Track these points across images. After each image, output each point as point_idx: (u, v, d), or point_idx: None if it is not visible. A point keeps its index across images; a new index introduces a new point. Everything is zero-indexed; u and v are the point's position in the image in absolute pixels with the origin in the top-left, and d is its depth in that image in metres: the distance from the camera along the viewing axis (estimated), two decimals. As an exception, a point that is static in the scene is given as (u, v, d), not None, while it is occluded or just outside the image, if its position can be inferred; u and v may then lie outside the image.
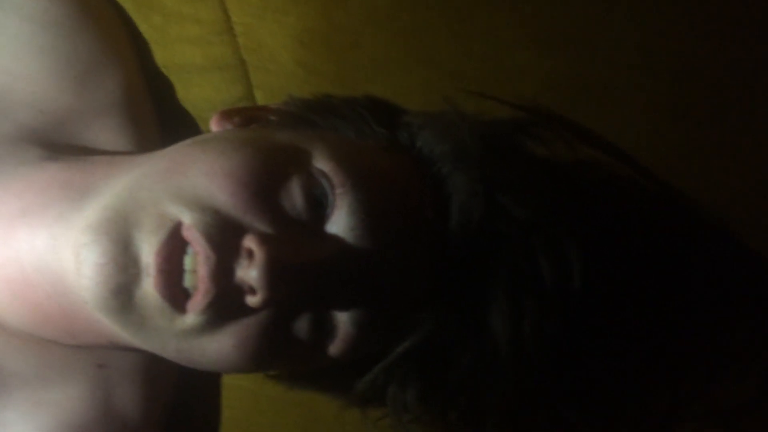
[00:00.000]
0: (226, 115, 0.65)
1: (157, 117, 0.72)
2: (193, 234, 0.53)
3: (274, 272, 0.52)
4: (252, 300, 0.53)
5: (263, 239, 0.53)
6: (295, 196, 0.55)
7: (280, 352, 0.57)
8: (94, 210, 0.56)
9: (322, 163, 0.56)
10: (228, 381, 0.76)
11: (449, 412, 0.62)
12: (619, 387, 0.66)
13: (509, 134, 0.63)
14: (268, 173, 0.56)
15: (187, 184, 0.55)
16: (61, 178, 0.61)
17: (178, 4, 0.70)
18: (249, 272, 0.52)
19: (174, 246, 0.53)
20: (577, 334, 0.61)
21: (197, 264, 0.53)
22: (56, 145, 0.65)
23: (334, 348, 0.57)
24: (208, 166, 0.56)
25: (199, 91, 0.74)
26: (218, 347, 0.55)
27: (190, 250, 0.54)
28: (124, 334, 0.57)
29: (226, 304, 0.53)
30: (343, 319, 0.56)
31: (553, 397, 0.63)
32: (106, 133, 0.67)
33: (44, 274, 0.59)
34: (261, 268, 0.52)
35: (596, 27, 0.62)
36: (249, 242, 0.53)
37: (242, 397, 0.75)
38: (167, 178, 0.56)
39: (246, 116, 0.66)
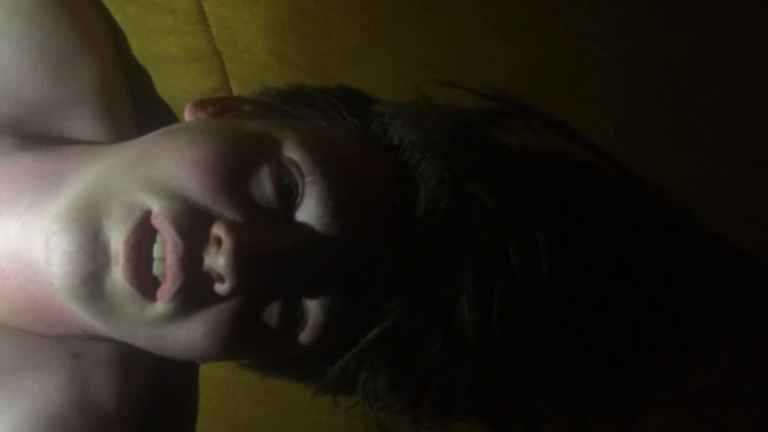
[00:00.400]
0: (200, 104, 0.66)
1: (133, 108, 0.73)
2: (161, 222, 0.53)
3: (241, 259, 0.52)
4: (220, 288, 0.53)
5: (231, 227, 0.53)
6: (264, 185, 0.56)
7: (250, 340, 0.58)
8: (64, 198, 0.57)
9: (292, 152, 0.57)
10: (204, 371, 0.76)
11: (420, 400, 0.63)
12: (588, 373, 0.67)
13: (477, 123, 0.63)
14: (238, 161, 0.56)
15: (157, 172, 0.55)
16: (35, 168, 0.61)
17: (152, -6, 0.70)
18: (217, 260, 0.53)
19: (143, 234, 0.54)
20: (545, 321, 0.61)
21: (166, 252, 0.53)
22: (31, 134, 0.65)
23: (305, 335, 0.58)
24: (177, 154, 0.56)
25: (176, 82, 0.75)
26: (188, 335, 0.56)
27: (159, 238, 0.54)
28: (95, 323, 0.58)
29: (194, 291, 0.54)
30: (312, 307, 0.57)
31: (522, 383, 0.64)
32: (82, 123, 0.67)
33: (16, 264, 0.59)
34: (228, 256, 0.52)
35: (561, 15, 0.62)
36: (217, 230, 0.53)
37: (218, 386, 0.76)
38: (137, 166, 0.56)
39: (220, 106, 0.66)
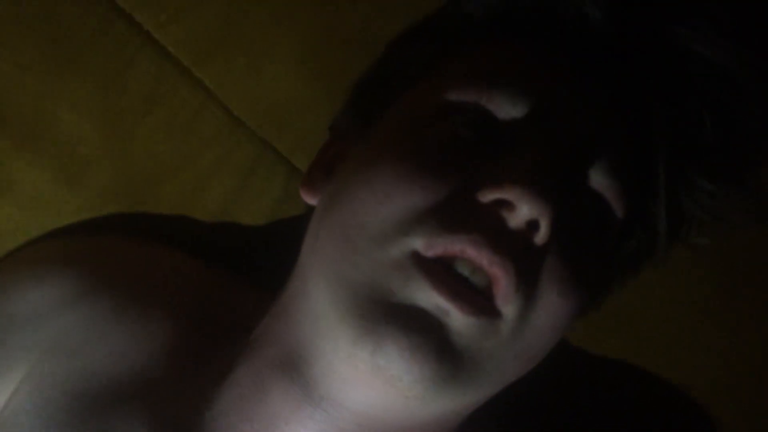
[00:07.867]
0: (308, 181, 0.57)
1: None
2: (438, 244, 0.47)
3: (534, 191, 0.46)
4: (539, 235, 0.47)
5: (494, 182, 0.47)
6: (460, 133, 0.50)
7: (594, 271, 0.51)
8: (338, 331, 0.48)
9: (453, 95, 0.51)
10: None
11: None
12: None
13: None
14: (417, 143, 0.50)
15: (374, 224, 0.48)
16: (270, 357, 0.53)
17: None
18: (519, 212, 0.46)
19: (437, 270, 0.47)
20: None
21: (472, 261, 0.46)
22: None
23: (618, 209, 0.52)
24: (370, 195, 0.49)
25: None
26: (546, 312, 0.49)
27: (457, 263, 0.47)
28: (461, 401, 0.51)
29: (527, 267, 0.47)
30: (606, 184, 0.51)
31: None
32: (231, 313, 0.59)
33: None
34: (524, 195, 0.46)
35: None
36: (487, 196, 0.47)
37: None
38: (346, 244, 0.49)
39: (322, 167, 0.58)
